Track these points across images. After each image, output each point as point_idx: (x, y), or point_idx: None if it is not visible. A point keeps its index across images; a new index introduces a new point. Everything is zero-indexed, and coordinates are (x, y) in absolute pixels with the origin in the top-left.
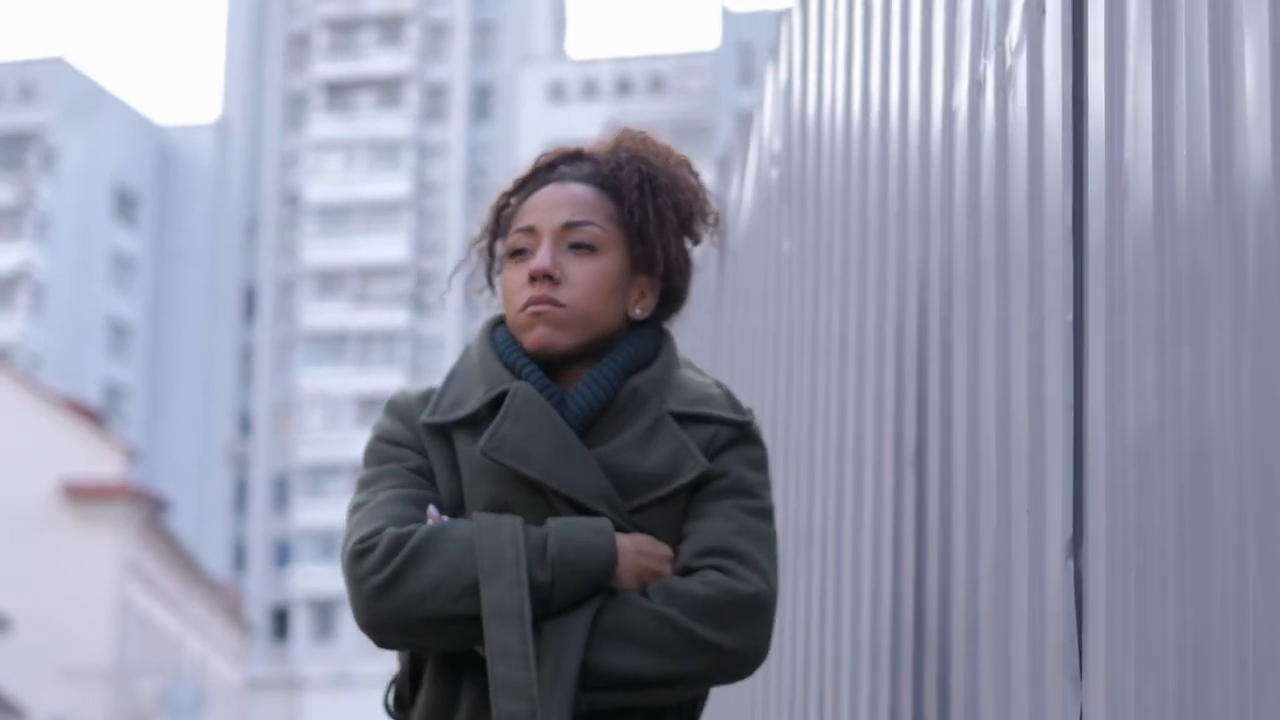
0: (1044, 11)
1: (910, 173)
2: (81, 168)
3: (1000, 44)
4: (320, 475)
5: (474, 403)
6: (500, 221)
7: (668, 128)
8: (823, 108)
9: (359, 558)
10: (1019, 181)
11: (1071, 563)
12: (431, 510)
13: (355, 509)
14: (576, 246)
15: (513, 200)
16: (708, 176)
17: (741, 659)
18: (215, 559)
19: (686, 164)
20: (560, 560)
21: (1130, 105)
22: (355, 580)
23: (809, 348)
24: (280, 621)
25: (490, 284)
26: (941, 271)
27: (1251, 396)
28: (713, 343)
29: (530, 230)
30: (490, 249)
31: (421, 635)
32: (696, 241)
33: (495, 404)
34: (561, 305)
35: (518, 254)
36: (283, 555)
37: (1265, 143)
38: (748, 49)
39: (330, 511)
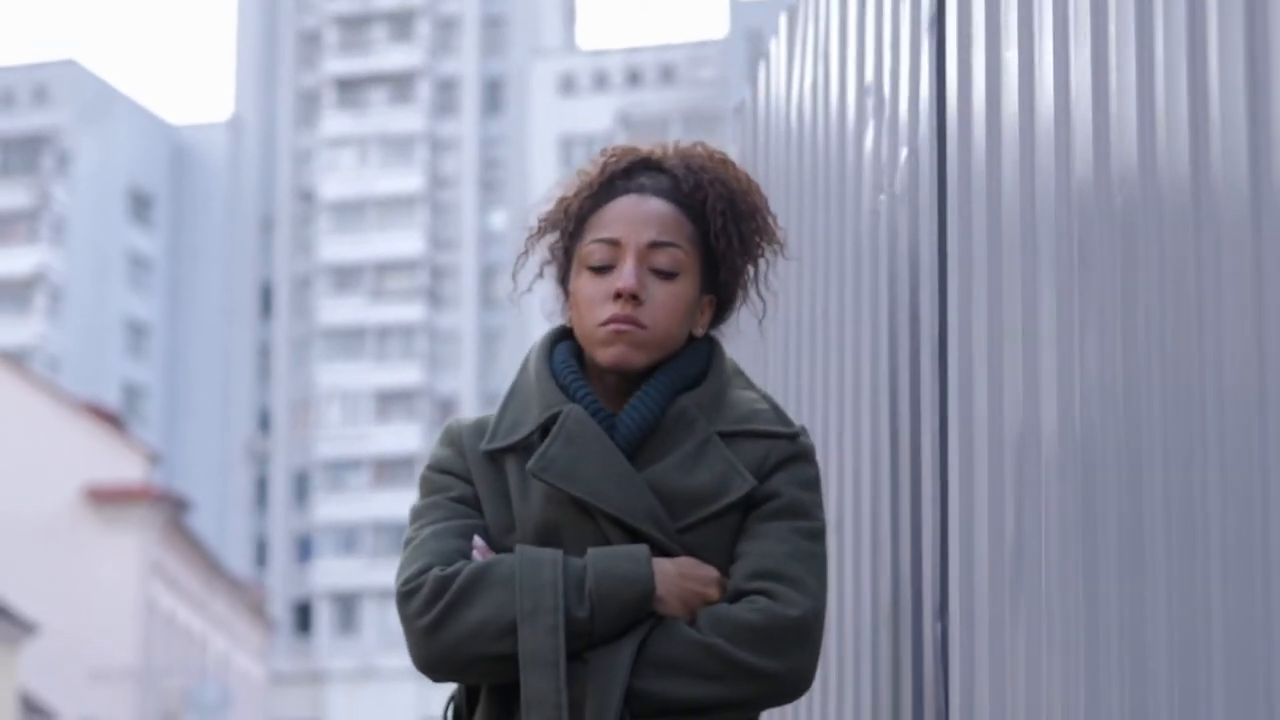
0: (918, 163)
1: (831, 276)
2: (96, 169)
3: (891, 185)
4: (340, 470)
5: (528, 425)
6: (569, 215)
7: (679, 117)
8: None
9: (406, 599)
10: (903, 296)
11: (939, 625)
12: (477, 541)
13: (406, 544)
14: (658, 268)
15: (586, 201)
16: None
17: (788, 683)
18: (237, 556)
19: (758, 188)
20: (598, 594)
21: (979, 238)
22: (404, 620)
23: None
24: (303, 616)
25: (564, 286)
26: (852, 380)
27: (1062, 511)
28: None
29: (614, 243)
30: (566, 250)
31: (470, 673)
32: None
33: (546, 427)
34: (644, 327)
35: (596, 264)
36: (304, 550)
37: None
38: (757, 37)
39: (350, 506)
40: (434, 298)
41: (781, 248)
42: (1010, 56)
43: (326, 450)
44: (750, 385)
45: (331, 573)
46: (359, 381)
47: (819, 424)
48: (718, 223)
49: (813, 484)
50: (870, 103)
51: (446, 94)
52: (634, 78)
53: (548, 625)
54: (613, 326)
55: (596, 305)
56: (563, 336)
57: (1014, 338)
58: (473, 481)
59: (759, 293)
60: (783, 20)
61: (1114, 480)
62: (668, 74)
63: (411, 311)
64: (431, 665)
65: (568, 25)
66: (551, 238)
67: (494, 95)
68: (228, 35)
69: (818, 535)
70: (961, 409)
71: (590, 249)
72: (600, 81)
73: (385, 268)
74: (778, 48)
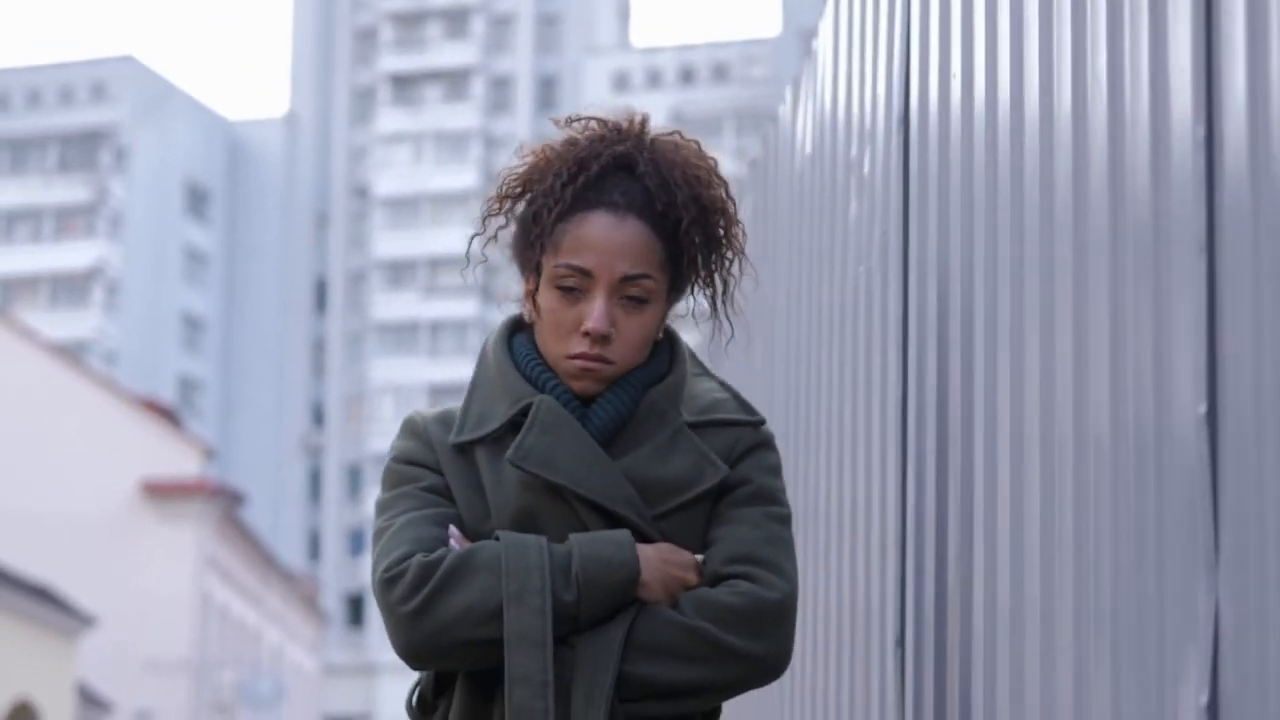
0: (889, 243)
1: (823, 328)
2: (153, 164)
3: (869, 258)
4: None
5: (498, 418)
6: (540, 222)
7: (731, 115)
8: (775, 268)
9: (388, 585)
10: (875, 356)
11: (898, 651)
12: (453, 530)
13: (378, 534)
14: (629, 297)
15: (552, 202)
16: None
17: (769, 664)
18: (290, 548)
19: (727, 189)
20: (584, 578)
21: (933, 304)
22: (386, 608)
23: None
24: (355, 609)
25: (531, 288)
26: (836, 423)
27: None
28: None
29: (585, 272)
30: (535, 262)
31: (454, 659)
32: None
33: (515, 420)
34: (611, 362)
35: (566, 287)
36: (357, 544)
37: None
38: (809, 35)
39: None
40: (487, 294)
41: (744, 257)
42: (958, 164)
43: (380, 444)
44: (706, 371)
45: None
46: (412, 376)
47: (813, 459)
48: (691, 252)
49: (777, 471)
50: (854, 181)
51: (501, 91)
52: (687, 76)
53: (535, 606)
54: (580, 363)
55: (564, 335)
56: (518, 327)
57: (955, 400)
58: (442, 472)
59: (727, 315)
60: (789, 91)
61: (1068, 519)
62: (720, 72)
63: (464, 307)
64: (415, 651)
65: (621, 23)
66: (512, 207)
67: (548, 93)
68: (284, 32)
69: (786, 520)
70: (918, 454)
71: (559, 270)
72: (654, 79)
73: (439, 263)
74: (785, 112)
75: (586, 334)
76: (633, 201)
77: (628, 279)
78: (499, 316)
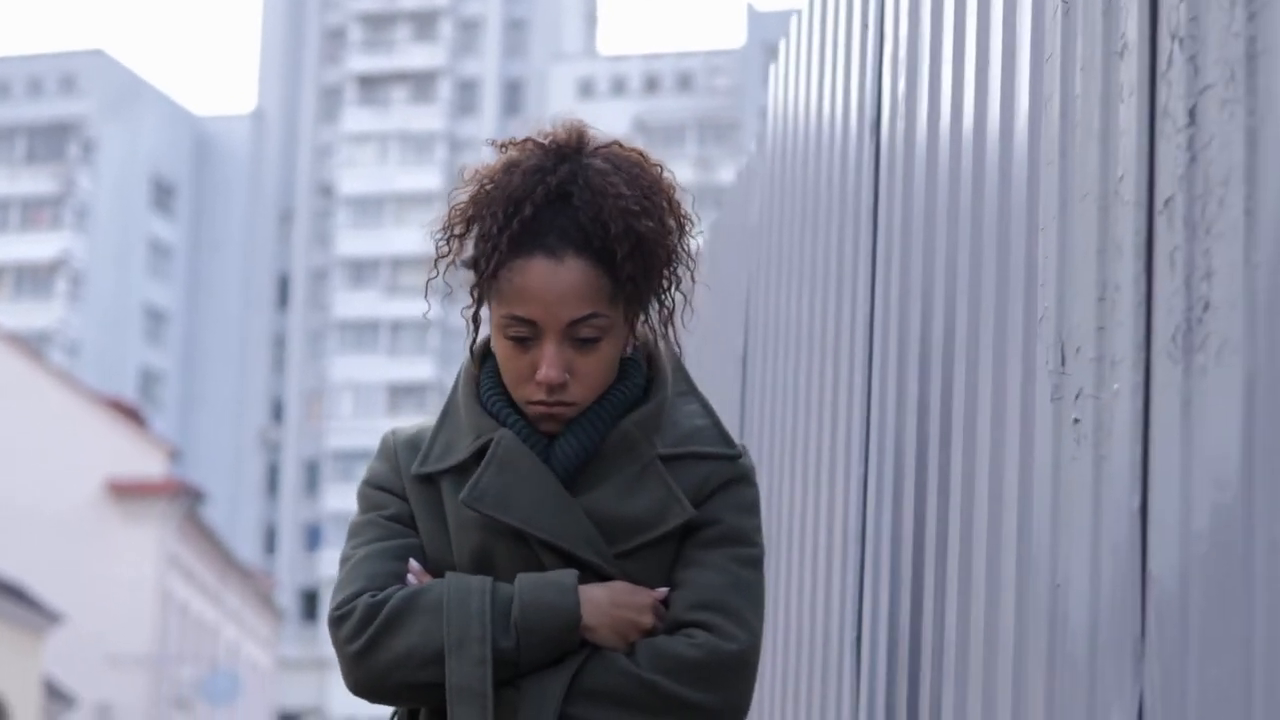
0: (858, 260)
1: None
2: (120, 158)
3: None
4: (350, 461)
5: (461, 452)
6: (480, 270)
7: (694, 124)
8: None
9: (338, 624)
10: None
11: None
12: (412, 564)
13: (342, 562)
14: (581, 338)
15: (490, 249)
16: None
17: (723, 716)
18: (247, 542)
19: (667, 191)
20: (523, 625)
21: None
22: (335, 645)
23: None
24: (310, 603)
25: (477, 352)
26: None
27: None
28: None
29: (530, 322)
30: (477, 306)
31: (398, 698)
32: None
33: (480, 453)
34: (572, 404)
35: (515, 337)
36: (313, 539)
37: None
38: (773, 48)
39: None
40: (449, 294)
41: (693, 264)
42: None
43: (337, 441)
44: (692, 389)
45: (339, 562)
46: (372, 374)
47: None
48: (628, 288)
49: (752, 508)
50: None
51: (467, 94)
52: (651, 84)
53: (475, 656)
54: (540, 409)
55: (521, 382)
56: (490, 352)
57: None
58: (408, 499)
59: (676, 340)
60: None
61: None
62: (685, 81)
63: (425, 307)
64: (361, 690)
65: (588, 30)
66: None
67: (514, 97)
68: (253, 29)
69: (756, 562)
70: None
71: (505, 320)
72: (618, 87)
73: (401, 263)
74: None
75: (541, 383)
76: (570, 240)
77: (575, 322)
78: (459, 317)
